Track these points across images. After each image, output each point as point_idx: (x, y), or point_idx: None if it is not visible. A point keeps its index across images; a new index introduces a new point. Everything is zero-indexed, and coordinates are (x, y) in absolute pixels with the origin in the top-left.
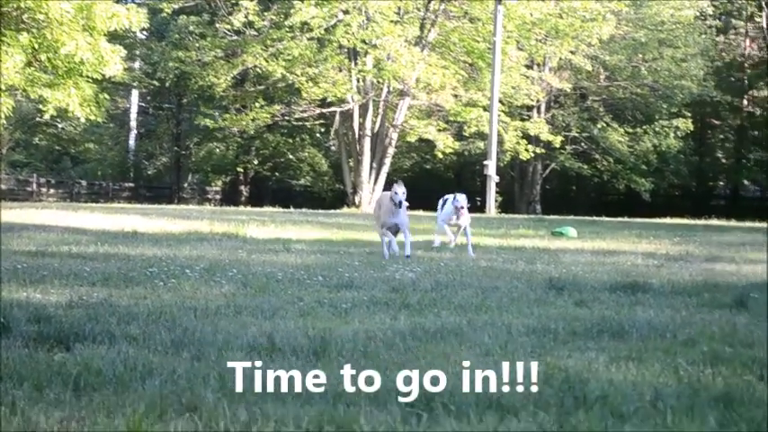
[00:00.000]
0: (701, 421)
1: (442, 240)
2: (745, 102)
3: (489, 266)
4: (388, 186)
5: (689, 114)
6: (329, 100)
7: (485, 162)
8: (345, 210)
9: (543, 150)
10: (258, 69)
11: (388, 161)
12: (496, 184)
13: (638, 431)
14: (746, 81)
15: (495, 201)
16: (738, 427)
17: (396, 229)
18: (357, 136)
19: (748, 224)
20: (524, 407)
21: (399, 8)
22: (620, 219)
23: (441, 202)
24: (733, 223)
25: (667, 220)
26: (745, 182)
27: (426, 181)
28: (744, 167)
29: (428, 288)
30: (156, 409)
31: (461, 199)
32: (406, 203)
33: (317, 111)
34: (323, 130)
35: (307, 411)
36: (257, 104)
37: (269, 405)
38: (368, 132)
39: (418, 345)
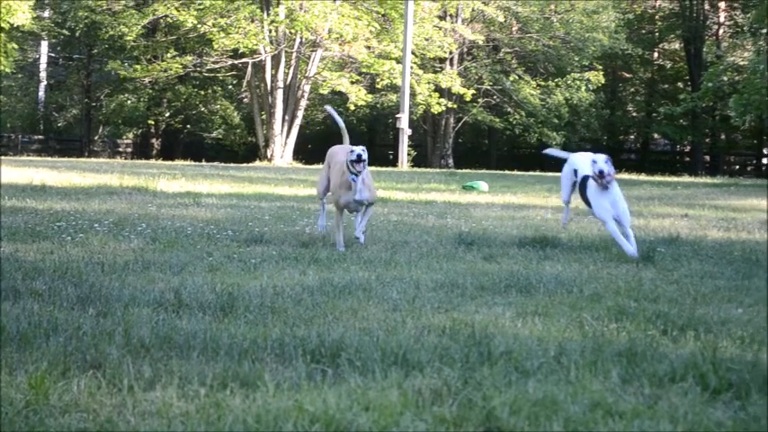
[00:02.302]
0: (604, 376)
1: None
2: (656, 55)
3: (400, 221)
4: (301, 141)
5: (600, 67)
6: (241, 51)
7: (397, 115)
8: (257, 163)
9: (455, 104)
10: (169, 19)
11: (300, 114)
12: (409, 137)
13: (542, 386)
14: (657, 34)
15: (408, 155)
16: (640, 382)
17: (358, 209)
18: (269, 88)
19: (657, 178)
20: (429, 362)
21: None
22: (531, 173)
23: (568, 169)
24: (642, 177)
25: None
26: (655, 135)
27: (339, 134)
28: (654, 121)
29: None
30: (60, 365)
31: (600, 161)
32: (366, 170)
33: (229, 62)
34: (235, 81)
35: (211, 367)
36: (169, 55)
37: (173, 361)
38: (280, 84)
39: (326, 300)
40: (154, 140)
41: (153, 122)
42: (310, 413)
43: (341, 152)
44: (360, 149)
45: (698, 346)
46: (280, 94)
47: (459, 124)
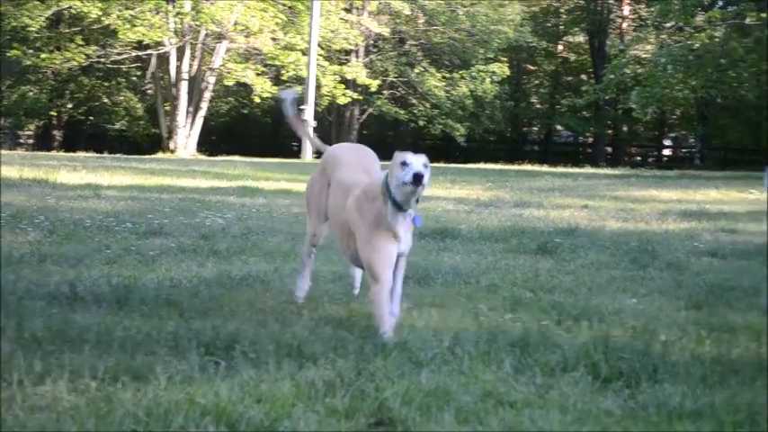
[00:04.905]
0: (496, 366)
1: None
2: (561, 47)
3: (302, 212)
4: (205, 132)
5: (505, 59)
6: (146, 43)
7: (301, 107)
8: (160, 155)
9: (361, 96)
10: (73, 10)
11: (205, 105)
12: (314, 129)
13: (435, 377)
14: (562, 27)
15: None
16: (533, 372)
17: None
18: (174, 80)
19: (560, 170)
20: (324, 354)
21: None
22: (435, 164)
23: None
24: (545, 168)
25: (482, 166)
26: (559, 127)
27: (243, 126)
28: (557, 113)
29: (238, 234)
30: None
31: None
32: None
33: (134, 53)
34: (139, 73)
35: (104, 361)
36: (73, 45)
37: (65, 355)
38: (185, 76)
39: (223, 292)
40: (56, 132)
41: (55, 114)
42: (201, 406)
43: (357, 158)
44: (420, 164)
45: (591, 336)
46: (184, 86)
47: (365, 116)
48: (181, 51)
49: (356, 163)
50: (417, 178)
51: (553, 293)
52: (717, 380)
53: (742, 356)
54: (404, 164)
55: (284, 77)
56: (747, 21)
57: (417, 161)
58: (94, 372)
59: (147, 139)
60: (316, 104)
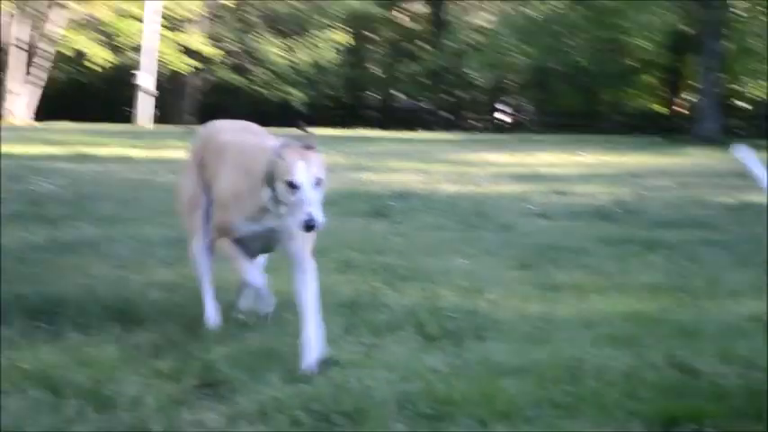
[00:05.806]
0: (325, 327)
1: None
2: (403, 16)
3: (136, 179)
4: (41, 102)
5: (348, 28)
6: None
7: (136, 72)
8: None
9: (200, 63)
10: None
11: (39, 73)
12: (151, 96)
13: (263, 338)
14: None
15: (155, 114)
16: (359, 330)
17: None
18: (8, 48)
19: (397, 134)
20: (151, 317)
21: None
22: (272, 128)
23: None
24: (382, 134)
25: (319, 131)
26: (397, 93)
27: (78, 93)
28: (395, 79)
29: (69, 200)
30: None
31: None
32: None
33: None
34: None
35: None
36: None
37: None
38: (17, 43)
39: (51, 258)
40: None
41: None
42: (23, 370)
43: (238, 126)
44: (311, 184)
45: (419, 296)
46: (18, 54)
47: (203, 83)
48: (15, 19)
49: (240, 130)
50: (309, 228)
51: (384, 255)
52: (541, 337)
53: (567, 314)
54: (292, 185)
55: (122, 45)
56: None
57: (308, 180)
58: None
59: None
60: (156, 72)
